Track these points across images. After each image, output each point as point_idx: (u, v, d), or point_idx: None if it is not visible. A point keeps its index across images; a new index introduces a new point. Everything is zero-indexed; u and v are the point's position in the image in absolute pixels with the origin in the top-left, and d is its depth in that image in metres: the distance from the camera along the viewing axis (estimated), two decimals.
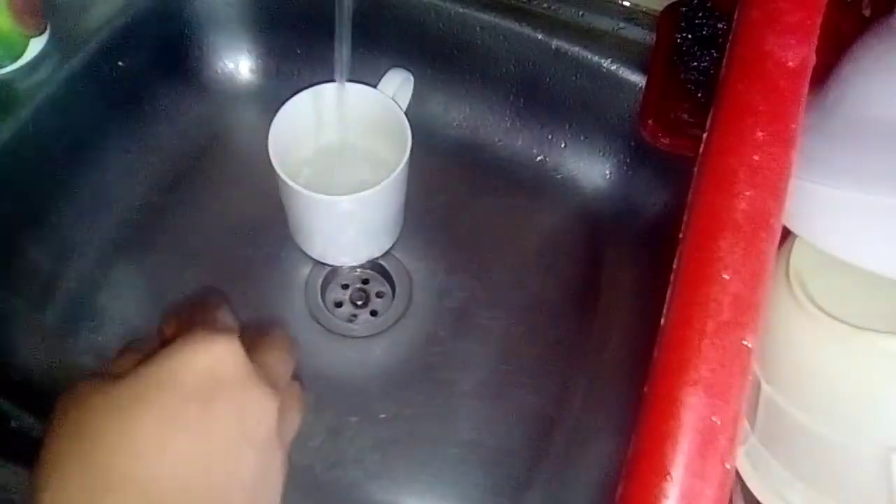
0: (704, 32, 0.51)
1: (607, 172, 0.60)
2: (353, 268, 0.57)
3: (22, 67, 0.53)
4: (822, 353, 0.29)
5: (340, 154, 0.52)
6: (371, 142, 0.53)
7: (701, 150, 0.28)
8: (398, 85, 0.52)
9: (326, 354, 0.54)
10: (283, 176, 0.47)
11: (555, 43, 0.56)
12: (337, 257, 0.56)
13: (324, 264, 0.57)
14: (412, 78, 0.53)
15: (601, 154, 0.60)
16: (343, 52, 0.46)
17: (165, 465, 0.25)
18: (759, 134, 0.27)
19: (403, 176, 0.50)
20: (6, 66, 0.52)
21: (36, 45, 0.53)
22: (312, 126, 0.52)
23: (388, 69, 0.52)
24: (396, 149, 0.49)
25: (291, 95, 0.50)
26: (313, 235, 0.55)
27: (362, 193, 0.47)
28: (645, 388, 0.25)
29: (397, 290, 0.56)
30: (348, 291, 0.57)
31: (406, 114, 0.50)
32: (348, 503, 0.49)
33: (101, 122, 0.57)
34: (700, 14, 0.51)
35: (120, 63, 0.57)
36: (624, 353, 0.52)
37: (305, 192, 0.47)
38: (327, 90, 0.51)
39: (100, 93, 0.56)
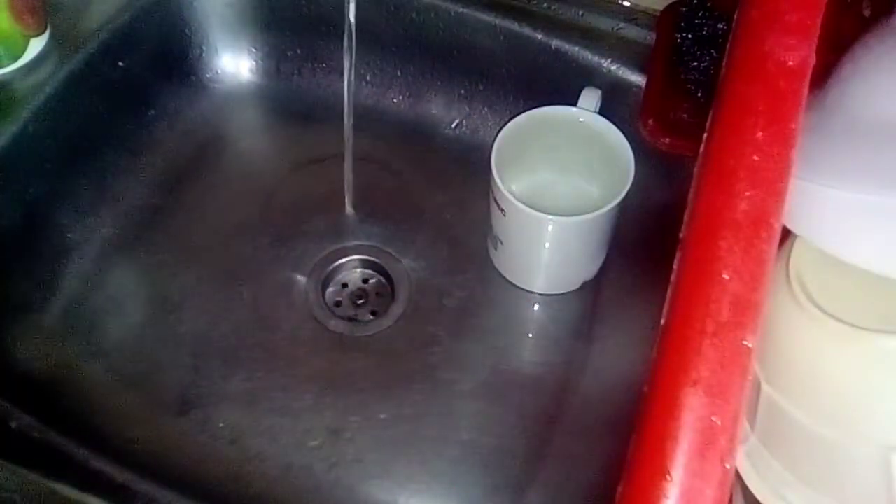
0: (704, 32, 0.51)
1: None
2: (354, 268, 0.57)
3: (22, 67, 0.53)
4: (822, 353, 0.29)
5: (555, 178, 0.52)
6: (589, 170, 0.54)
7: (701, 150, 0.28)
8: (594, 103, 0.52)
9: (326, 354, 0.54)
10: (501, 187, 0.48)
11: (555, 43, 0.56)
12: (529, 281, 0.56)
13: (325, 265, 0.57)
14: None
15: None
16: (350, 62, 0.47)
17: None
18: (759, 134, 0.27)
19: (615, 212, 0.50)
20: (6, 66, 0.52)
21: (36, 45, 0.53)
22: (532, 146, 0.53)
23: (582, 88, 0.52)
24: (614, 182, 0.49)
25: (518, 113, 0.51)
26: (516, 255, 0.54)
27: (569, 218, 0.48)
28: (645, 388, 0.25)
29: (397, 290, 0.56)
30: (348, 291, 0.57)
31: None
32: (348, 503, 0.49)
33: (102, 122, 0.57)
34: (700, 14, 0.51)
35: (120, 63, 0.57)
36: (624, 353, 0.52)
37: (519, 204, 0.48)
38: (551, 112, 0.52)
39: (100, 93, 0.56)
